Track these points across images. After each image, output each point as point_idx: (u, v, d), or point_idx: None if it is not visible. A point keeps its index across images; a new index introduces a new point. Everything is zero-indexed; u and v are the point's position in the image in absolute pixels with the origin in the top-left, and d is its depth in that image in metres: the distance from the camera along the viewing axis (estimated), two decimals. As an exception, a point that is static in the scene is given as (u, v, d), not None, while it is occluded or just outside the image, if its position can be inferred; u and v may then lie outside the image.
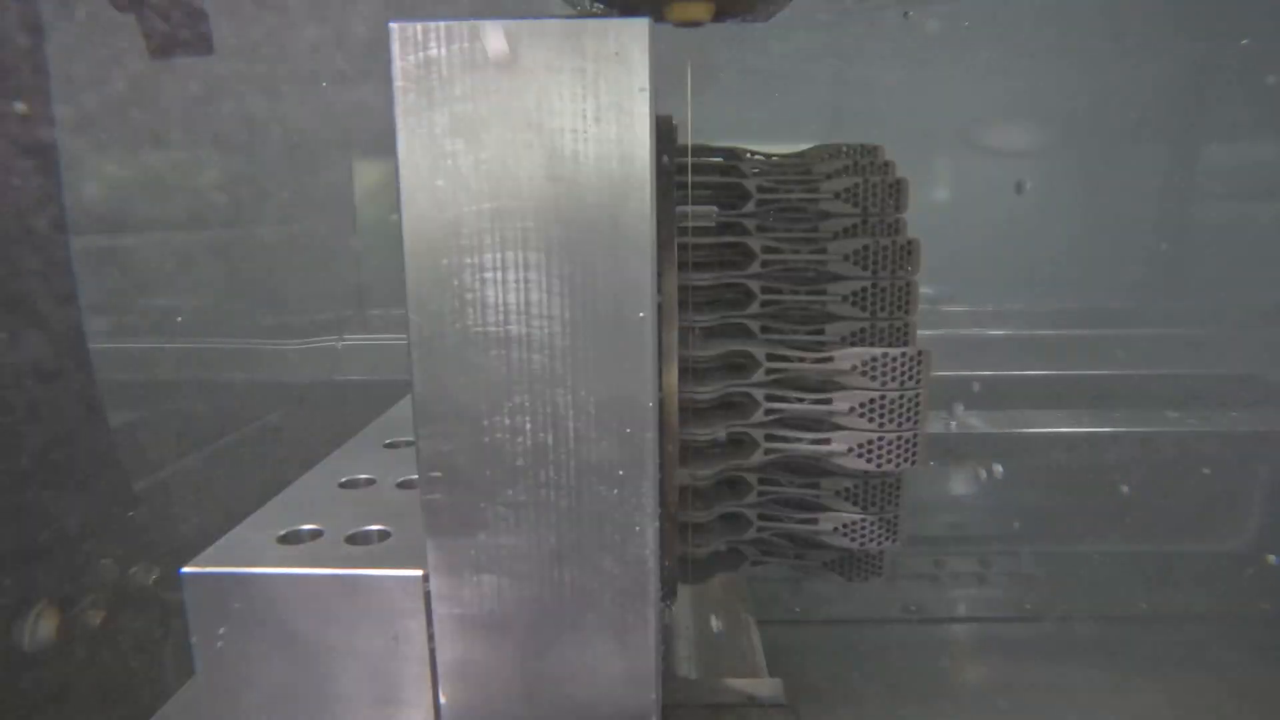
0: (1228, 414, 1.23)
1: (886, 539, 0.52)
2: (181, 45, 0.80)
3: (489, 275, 0.42)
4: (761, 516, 0.53)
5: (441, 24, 0.40)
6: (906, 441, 0.49)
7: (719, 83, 1.30)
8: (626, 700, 0.47)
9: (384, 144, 0.41)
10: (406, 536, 0.50)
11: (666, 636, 0.70)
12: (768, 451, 0.51)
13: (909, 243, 0.48)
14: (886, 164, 0.53)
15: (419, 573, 0.46)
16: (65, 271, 0.77)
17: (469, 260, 0.42)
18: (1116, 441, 1.24)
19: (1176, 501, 1.26)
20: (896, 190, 0.50)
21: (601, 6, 0.50)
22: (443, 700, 0.47)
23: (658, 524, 0.45)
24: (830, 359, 0.49)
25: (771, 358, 0.50)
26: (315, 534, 0.52)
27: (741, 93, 1.36)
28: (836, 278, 0.49)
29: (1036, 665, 1.19)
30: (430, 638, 0.47)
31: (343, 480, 0.60)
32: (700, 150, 0.54)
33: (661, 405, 0.46)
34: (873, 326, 0.49)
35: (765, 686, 0.63)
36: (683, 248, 0.49)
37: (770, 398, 0.50)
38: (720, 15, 0.51)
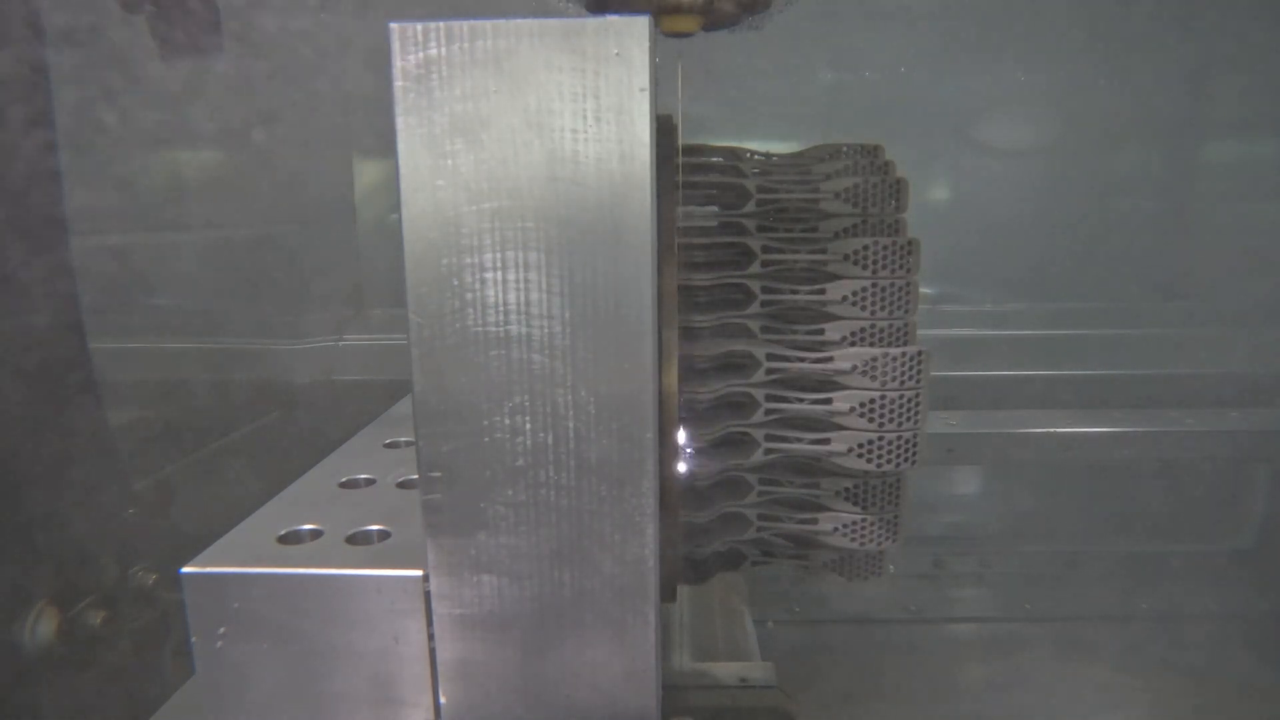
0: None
1: (887, 539, 0.52)
2: (192, 46, 0.80)
3: (489, 275, 0.42)
4: (761, 516, 0.53)
5: (441, 24, 0.40)
6: (907, 441, 0.49)
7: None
8: (626, 700, 0.47)
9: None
10: (406, 536, 0.50)
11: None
12: (768, 451, 0.51)
13: (909, 242, 0.48)
14: (886, 164, 0.53)
15: (419, 573, 0.46)
16: (65, 269, 0.77)
17: (469, 260, 0.42)
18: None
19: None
20: (897, 190, 0.50)
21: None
22: (443, 700, 0.47)
23: (657, 524, 0.45)
24: (830, 359, 0.49)
25: (771, 357, 0.50)
26: (315, 534, 0.51)
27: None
28: (836, 277, 0.49)
29: (1035, 664, 1.19)
30: (430, 638, 0.47)
31: (343, 480, 0.60)
32: (698, 150, 0.54)
33: (661, 405, 0.46)
34: (873, 326, 0.49)
35: (757, 669, 0.63)
36: (684, 248, 0.49)
37: (770, 398, 0.50)
38: (708, 27, 0.52)
